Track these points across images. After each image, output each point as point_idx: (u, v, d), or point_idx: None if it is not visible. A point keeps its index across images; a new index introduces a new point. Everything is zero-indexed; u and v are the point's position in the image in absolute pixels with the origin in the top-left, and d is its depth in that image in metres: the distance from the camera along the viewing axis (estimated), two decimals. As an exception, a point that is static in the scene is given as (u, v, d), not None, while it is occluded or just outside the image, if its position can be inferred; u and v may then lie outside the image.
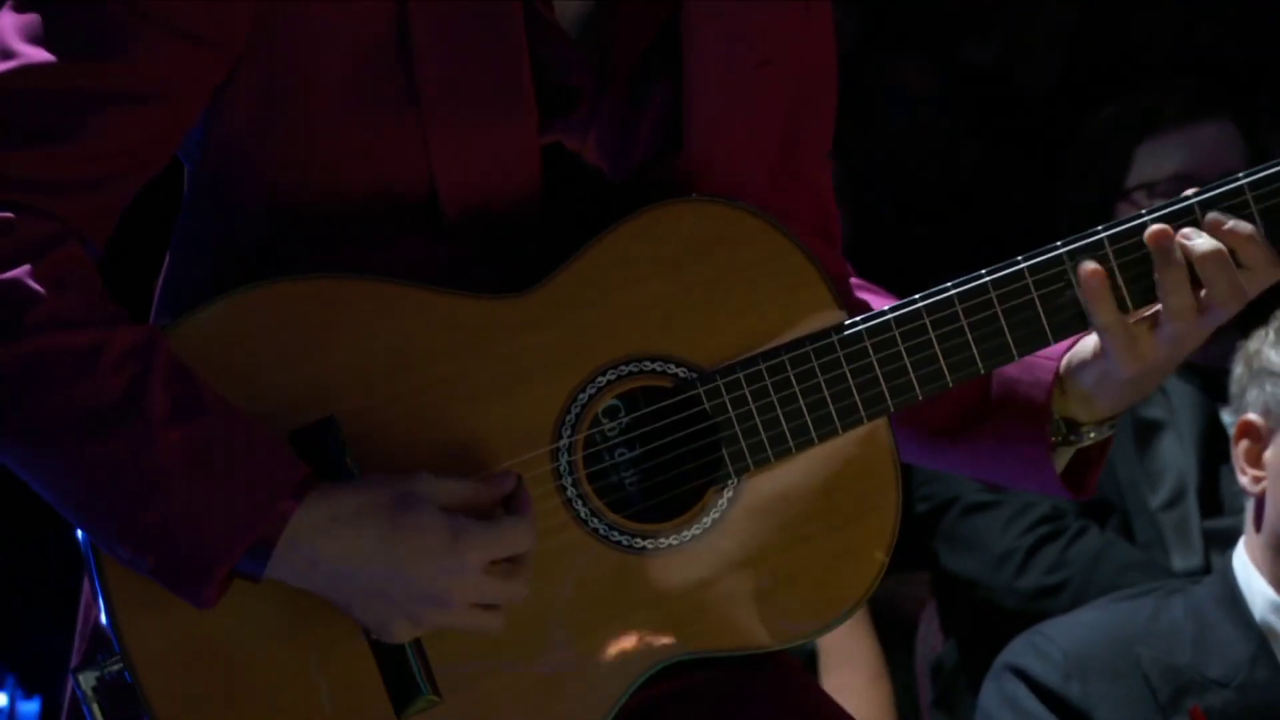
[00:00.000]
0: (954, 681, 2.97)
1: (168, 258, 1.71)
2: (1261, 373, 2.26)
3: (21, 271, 1.52)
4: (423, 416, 1.62)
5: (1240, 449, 2.27)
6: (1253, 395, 2.28)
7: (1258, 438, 2.26)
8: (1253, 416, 2.26)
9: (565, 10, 1.68)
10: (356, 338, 1.63)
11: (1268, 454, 2.25)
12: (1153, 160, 3.00)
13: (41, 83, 1.56)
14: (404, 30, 1.61)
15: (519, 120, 1.64)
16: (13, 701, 4.28)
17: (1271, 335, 2.27)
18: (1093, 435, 1.74)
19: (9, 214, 1.53)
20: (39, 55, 1.55)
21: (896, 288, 1.76)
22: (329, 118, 1.64)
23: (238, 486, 1.55)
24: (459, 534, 1.55)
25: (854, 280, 1.85)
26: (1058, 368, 1.72)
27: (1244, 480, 2.28)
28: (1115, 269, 1.67)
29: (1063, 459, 1.74)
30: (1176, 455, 2.98)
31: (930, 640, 3.06)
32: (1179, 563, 2.89)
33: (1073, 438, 1.74)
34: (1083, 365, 1.72)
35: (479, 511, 1.57)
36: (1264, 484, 2.24)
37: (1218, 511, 2.86)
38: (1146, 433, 2.98)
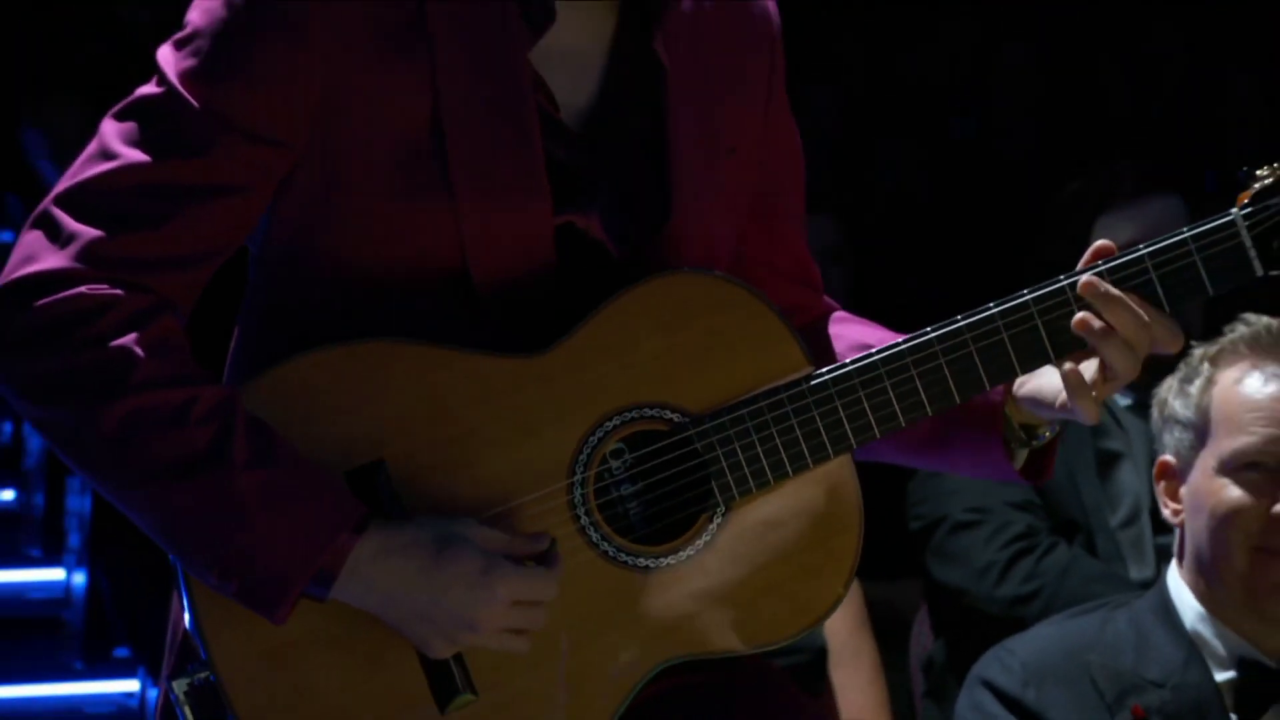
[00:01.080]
0: (943, 676, 2.97)
1: (236, 332, 1.73)
2: (1170, 419, 2.23)
3: (128, 339, 1.55)
4: (458, 459, 1.64)
5: (1161, 486, 2.26)
6: (1166, 439, 2.25)
7: (1173, 476, 2.24)
8: (1168, 458, 2.25)
9: (568, 110, 1.69)
10: (401, 393, 1.64)
11: (1183, 490, 2.23)
12: (1109, 230, 2.91)
13: (139, 179, 1.59)
14: (437, 128, 1.64)
15: (536, 205, 1.66)
16: (143, 688, 4.43)
17: (1175, 384, 2.24)
18: (1047, 434, 1.74)
19: (117, 291, 1.57)
20: (136, 156, 1.60)
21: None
22: (375, 204, 1.65)
23: (307, 523, 1.57)
24: (490, 570, 1.58)
25: (842, 314, 1.85)
26: (1008, 389, 1.72)
27: (1166, 512, 2.27)
28: (1040, 325, 1.68)
29: (1021, 456, 1.74)
30: (1133, 481, 2.99)
31: (922, 640, 3.07)
32: (1135, 574, 2.90)
33: (1033, 441, 1.74)
34: (1040, 404, 1.71)
35: (513, 558, 1.60)
36: (1182, 516, 2.23)
37: (1167, 530, 2.70)
38: (1107, 462, 2.98)
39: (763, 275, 1.78)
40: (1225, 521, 2.16)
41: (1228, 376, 2.20)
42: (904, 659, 3.15)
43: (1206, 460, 2.20)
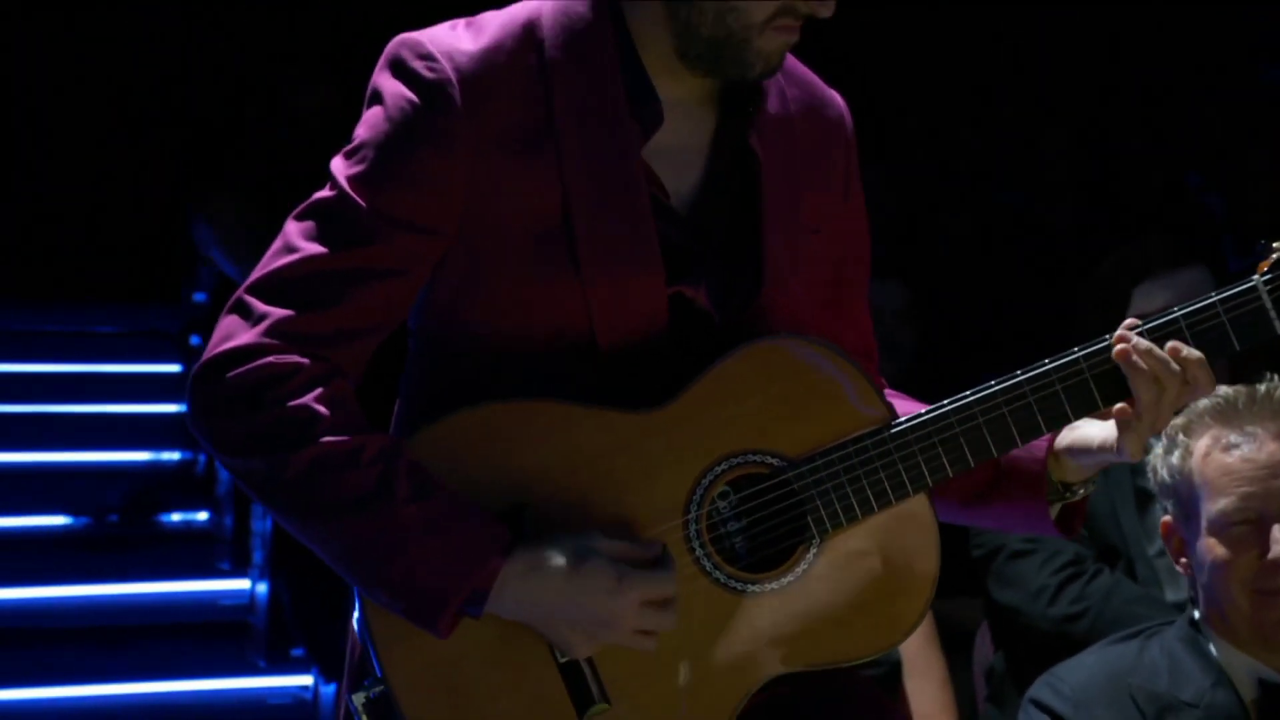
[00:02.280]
0: (1002, 684, 2.93)
1: (400, 395, 1.75)
2: (1162, 486, 2.19)
3: (309, 399, 1.57)
4: (590, 501, 1.63)
5: (1170, 544, 2.22)
6: (1164, 503, 2.22)
7: (1177, 535, 2.19)
8: (1168, 519, 2.21)
9: (676, 197, 1.69)
10: (539, 445, 1.64)
11: (1188, 550, 2.18)
12: (1146, 298, 2.96)
13: (316, 267, 1.61)
14: (566, 215, 1.63)
15: (652, 278, 1.65)
16: (316, 683, 4.44)
17: (1161, 455, 2.19)
18: (1080, 492, 1.74)
19: (303, 359, 1.58)
20: (314, 249, 1.61)
21: (953, 386, 1.75)
22: (513, 281, 1.65)
23: (461, 548, 1.57)
24: (622, 576, 1.58)
25: (889, 390, 1.82)
26: (1050, 447, 1.72)
27: (1178, 567, 2.22)
28: (1090, 378, 1.67)
29: (1055, 510, 1.74)
30: None
31: (984, 651, 3.03)
32: (1170, 596, 2.84)
33: (1067, 495, 1.74)
34: (1084, 451, 1.71)
35: (635, 565, 1.59)
36: (1190, 571, 2.18)
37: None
38: (1143, 499, 2.91)
39: (838, 342, 1.77)
40: (1223, 573, 2.11)
41: (1200, 446, 2.15)
42: (968, 668, 3.13)
43: (1200, 522, 2.15)
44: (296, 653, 4.80)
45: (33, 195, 7.76)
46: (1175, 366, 1.64)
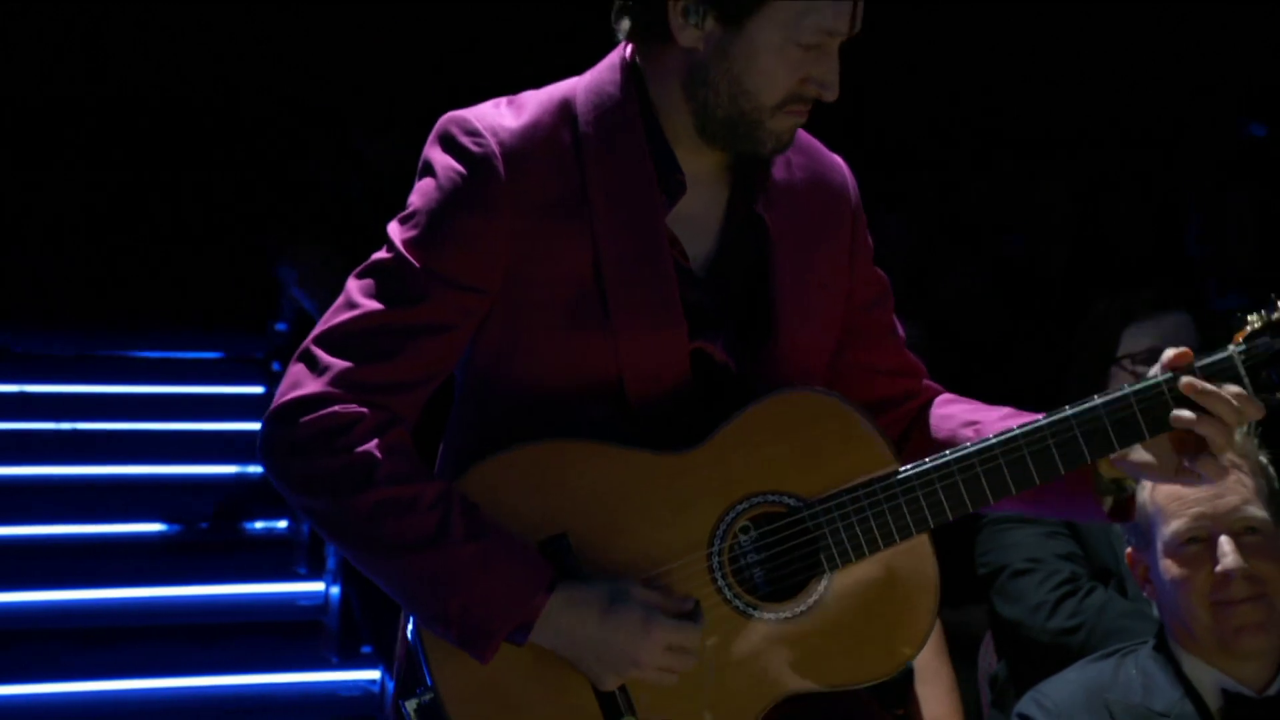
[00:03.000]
0: (1005, 689, 2.88)
1: (443, 442, 1.72)
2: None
3: (371, 446, 1.57)
4: (623, 531, 1.62)
5: (1136, 572, 2.20)
6: (1128, 536, 2.20)
7: (1140, 564, 2.18)
8: (1131, 550, 2.19)
9: (695, 260, 1.67)
10: (577, 481, 1.63)
11: (1151, 574, 2.16)
12: (1133, 339, 2.93)
13: (375, 322, 1.60)
14: (598, 275, 1.62)
15: (675, 334, 1.64)
16: (383, 677, 4.46)
17: None
18: (1128, 490, 1.71)
19: (363, 409, 1.58)
20: (372, 305, 1.61)
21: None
22: (551, 333, 1.63)
23: (510, 584, 1.56)
24: (650, 621, 1.56)
25: (948, 395, 1.79)
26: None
27: (1145, 593, 2.21)
28: (1138, 413, 1.64)
29: (1108, 503, 1.70)
30: None
31: (988, 659, 2.99)
32: (1155, 611, 2.65)
33: (1122, 493, 1.71)
34: (1136, 464, 1.67)
35: (667, 614, 1.57)
36: (1155, 595, 2.16)
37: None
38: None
39: (867, 376, 1.76)
40: (1183, 590, 2.09)
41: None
42: (973, 674, 3.09)
43: (1157, 546, 2.12)
44: (365, 650, 4.80)
45: (139, 237, 7.86)
46: (1235, 403, 1.62)
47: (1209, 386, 1.61)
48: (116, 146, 7.90)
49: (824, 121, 1.76)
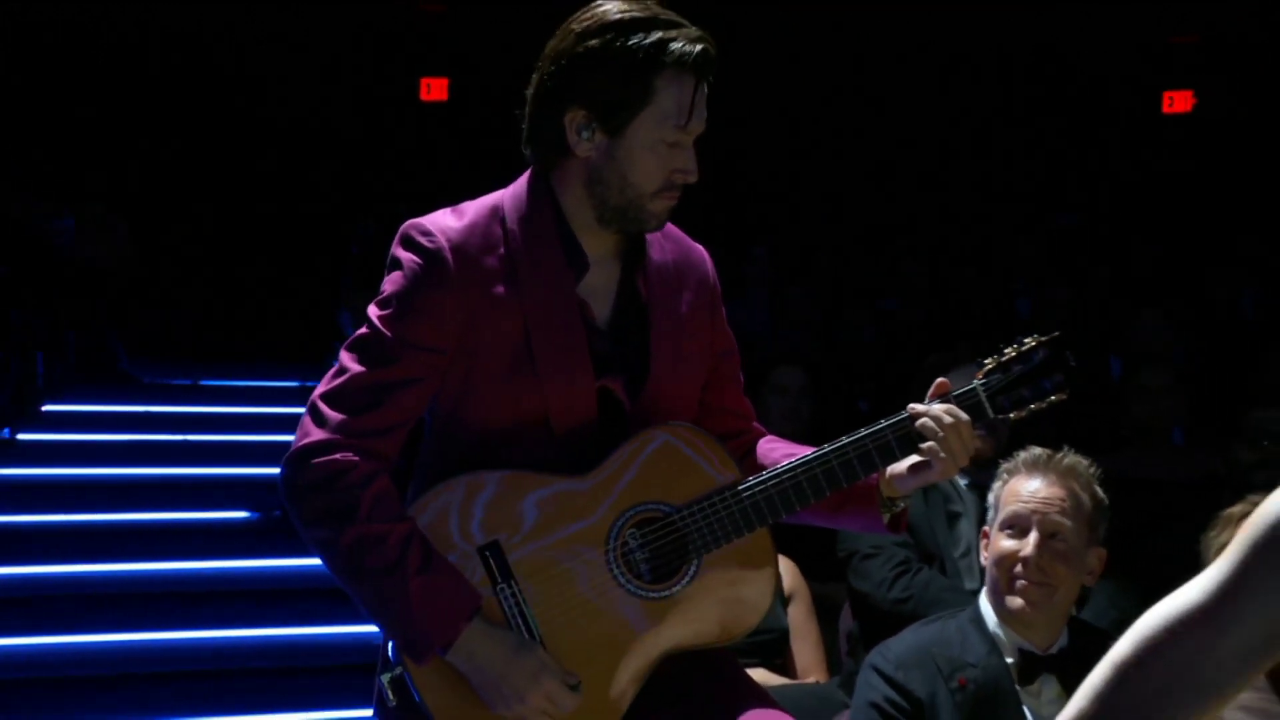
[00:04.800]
0: (857, 645, 2.90)
1: (416, 465, 1.68)
2: (989, 506, 2.18)
3: (361, 489, 1.52)
4: (542, 538, 1.59)
5: (983, 544, 2.19)
6: (990, 513, 2.19)
7: (986, 539, 2.18)
8: (987, 527, 2.18)
9: (599, 319, 1.63)
10: (506, 499, 1.58)
11: (988, 547, 2.17)
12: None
13: (362, 382, 1.56)
14: (527, 335, 1.58)
15: (585, 375, 1.59)
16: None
17: (994, 485, 2.17)
18: (902, 504, 1.66)
19: (357, 458, 1.53)
20: (359, 369, 1.56)
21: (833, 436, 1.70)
22: (494, 381, 1.58)
23: (445, 610, 1.52)
24: (543, 672, 1.53)
25: (770, 436, 1.73)
26: (877, 479, 1.64)
27: (983, 559, 2.19)
28: (891, 440, 1.59)
29: (886, 518, 1.66)
30: (967, 530, 2.92)
31: (847, 621, 3.00)
32: (968, 585, 2.82)
33: (894, 507, 1.66)
34: (899, 479, 1.63)
35: (556, 674, 1.53)
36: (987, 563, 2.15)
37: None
38: (952, 518, 2.92)
39: (718, 414, 1.71)
40: (998, 563, 2.12)
41: (1011, 480, 2.17)
42: (835, 633, 3.11)
43: (994, 526, 2.16)
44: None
45: (236, 296, 7.94)
46: (963, 432, 1.61)
47: (935, 412, 1.59)
48: (221, 232, 7.99)
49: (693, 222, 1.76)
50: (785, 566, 2.95)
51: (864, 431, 1.61)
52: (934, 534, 2.94)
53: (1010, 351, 1.65)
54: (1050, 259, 6.33)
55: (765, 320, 5.69)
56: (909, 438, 1.60)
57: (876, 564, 2.91)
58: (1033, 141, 8.26)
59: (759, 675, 2.78)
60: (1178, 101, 8.28)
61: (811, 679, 2.93)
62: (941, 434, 1.59)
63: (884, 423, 1.61)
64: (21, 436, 5.65)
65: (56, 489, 5.22)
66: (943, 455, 1.58)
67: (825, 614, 3.08)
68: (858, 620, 2.99)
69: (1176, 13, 7.84)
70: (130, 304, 6.92)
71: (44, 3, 7.62)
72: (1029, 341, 1.64)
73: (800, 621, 2.97)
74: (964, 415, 1.60)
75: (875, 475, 1.63)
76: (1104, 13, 7.85)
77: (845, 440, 1.61)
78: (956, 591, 2.81)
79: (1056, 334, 1.66)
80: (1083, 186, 8.23)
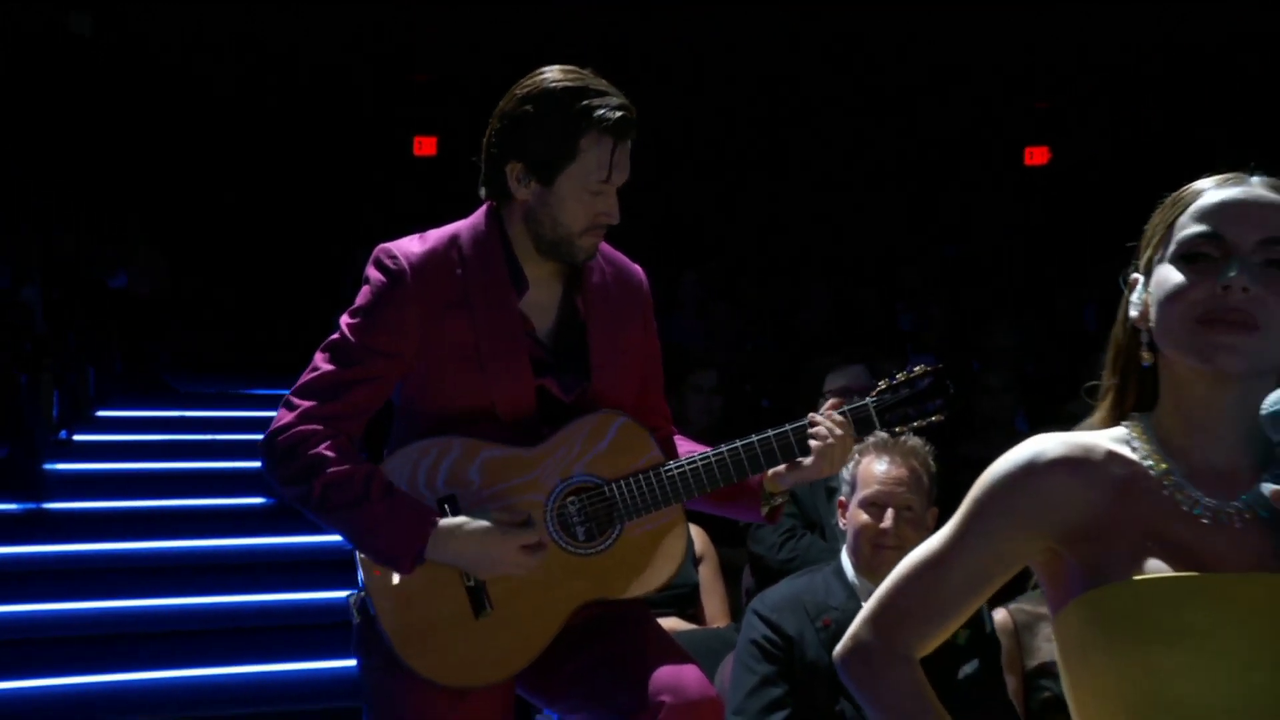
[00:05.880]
0: (751, 596, 2.86)
1: (386, 445, 1.64)
2: (842, 480, 2.22)
3: (323, 448, 1.52)
4: (493, 497, 1.58)
5: (841, 512, 2.22)
6: (844, 487, 2.22)
7: (844, 507, 2.22)
8: (842, 498, 2.22)
9: (540, 330, 1.61)
10: (461, 463, 1.57)
11: (846, 516, 2.21)
12: (831, 381, 3.01)
13: (329, 379, 1.55)
14: (477, 341, 1.57)
15: (525, 377, 1.58)
16: None
17: (850, 463, 2.20)
18: (777, 500, 1.67)
19: (318, 427, 1.53)
20: (327, 367, 1.56)
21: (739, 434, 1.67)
22: (450, 377, 1.57)
23: (410, 525, 1.52)
24: (505, 532, 1.54)
25: (680, 435, 1.73)
26: (763, 478, 1.66)
27: (842, 525, 2.22)
28: (792, 439, 1.61)
29: (765, 510, 1.67)
30: None
31: (748, 579, 3.03)
32: (843, 547, 2.76)
33: (773, 501, 1.67)
34: (780, 476, 1.65)
35: (513, 526, 1.54)
36: (847, 526, 2.19)
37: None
38: (830, 494, 2.90)
39: (645, 413, 1.70)
40: (859, 534, 2.17)
41: (864, 460, 2.22)
42: (739, 589, 3.12)
43: (854, 501, 2.20)
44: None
45: (258, 317, 7.92)
46: (839, 433, 1.63)
47: (830, 422, 1.62)
48: (244, 265, 7.91)
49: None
50: (697, 533, 2.98)
51: (771, 431, 1.61)
52: (815, 506, 3.01)
53: (901, 376, 1.65)
54: (937, 282, 6.38)
55: (695, 334, 5.72)
56: (805, 440, 1.61)
57: (769, 531, 2.95)
58: (927, 186, 8.43)
59: (674, 623, 2.81)
60: (1037, 155, 8.53)
61: (717, 625, 2.98)
62: (831, 441, 1.61)
63: (788, 426, 1.61)
64: (77, 437, 5.67)
65: (107, 481, 5.25)
66: (826, 458, 1.60)
67: (730, 573, 3.11)
68: (754, 578, 3.03)
69: (1041, 83, 8.06)
70: (168, 325, 6.93)
71: (91, 53, 7.48)
72: (917, 370, 1.65)
73: (709, 579, 3.00)
74: (852, 428, 1.61)
75: (760, 476, 1.61)
76: (977, 80, 8.07)
77: (754, 437, 1.61)
78: (833, 553, 2.75)
79: (940, 365, 1.67)
80: (963, 224, 8.40)
